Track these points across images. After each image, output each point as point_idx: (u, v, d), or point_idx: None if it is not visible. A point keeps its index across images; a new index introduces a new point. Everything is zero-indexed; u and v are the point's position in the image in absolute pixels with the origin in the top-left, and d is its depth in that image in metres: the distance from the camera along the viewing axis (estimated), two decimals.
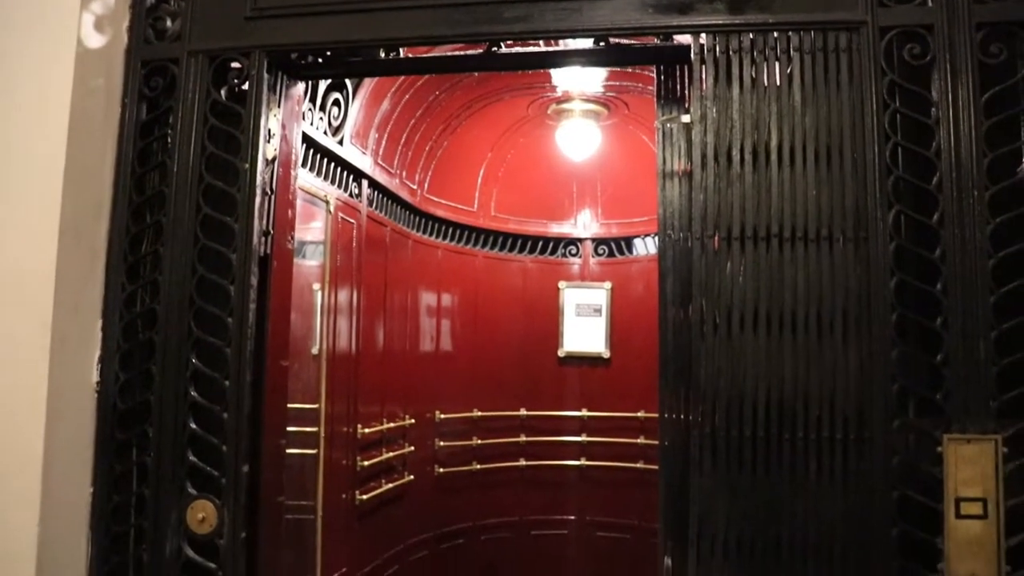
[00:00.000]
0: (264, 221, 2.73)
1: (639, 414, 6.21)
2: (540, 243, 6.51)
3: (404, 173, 5.34)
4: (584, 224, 6.54)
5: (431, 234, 5.87)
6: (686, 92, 2.70)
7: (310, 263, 4.16)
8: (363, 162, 4.62)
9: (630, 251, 6.51)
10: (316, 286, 4.19)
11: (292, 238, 2.95)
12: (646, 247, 6.46)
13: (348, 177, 4.50)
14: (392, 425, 5.09)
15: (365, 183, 4.71)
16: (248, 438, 2.57)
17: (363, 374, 4.62)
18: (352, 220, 4.51)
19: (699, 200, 2.50)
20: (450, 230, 6.07)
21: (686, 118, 2.62)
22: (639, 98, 5.61)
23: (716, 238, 2.47)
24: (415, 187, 5.58)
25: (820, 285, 2.41)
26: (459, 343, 6.11)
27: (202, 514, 2.50)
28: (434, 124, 5.48)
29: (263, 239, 2.73)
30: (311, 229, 4.14)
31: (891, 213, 2.39)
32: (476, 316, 6.19)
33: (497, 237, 6.37)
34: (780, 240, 2.43)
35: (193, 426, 2.57)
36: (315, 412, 4.10)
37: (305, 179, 3.95)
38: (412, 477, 5.41)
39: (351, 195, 4.55)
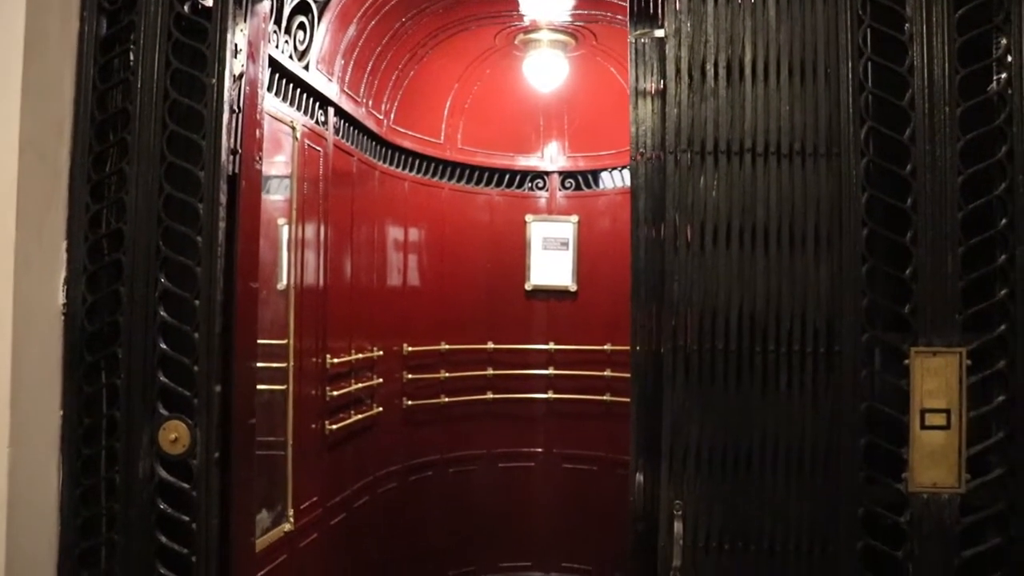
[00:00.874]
0: (232, 139, 2.68)
1: (606, 347, 6.24)
2: (507, 176, 6.46)
3: (370, 102, 5.26)
4: (551, 157, 6.50)
5: (398, 166, 5.81)
6: (660, 8, 2.66)
7: (276, 198, 4.10)
8: (329, 89, 4.54)
9: (597, 184, 6.49)
10: (282, 220, 4.13)
11: (260, 159, 2.90)
12: (613, 180, 6.44)
13: (314, 104, 4.42)
14: (361, 356, 5.09)
15: (331, 111, 4.63)
16: (219, 358, 2.55)
17: (331, 308, 4.59)
18: (319, 148, 4.44)
19: (672, 115, 2.48)
20: (417, 162, 6.00)
21: (660, 32, 2.60)
22: (608, 28, 5.55)
23: (690, 153, 2.46)
24: (381, 117, 5.50)
25: (792, 200, 2.42)
26: (426, 277, 6.08)
27: (174, 435, 2.49)
28: (400, 52, 5.38)
29: (231, 158, 2.68)
30: (276, 163, 4.07)
31: (863, 129, 2.40)
32: (443, 250, 6.17)
33: (464, 170, 6.32)
34: (753, 155, 2.44)
35: (163, 346, 2.54)
36: (284, 348, 4.07)
37: (271, 105, 3.88)
38: (381, 409, 5.42)
39: (318, 123, 4.47)
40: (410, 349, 5.87)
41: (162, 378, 2.53)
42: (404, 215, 5.82)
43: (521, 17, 5.51)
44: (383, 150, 5.62)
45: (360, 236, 5.12)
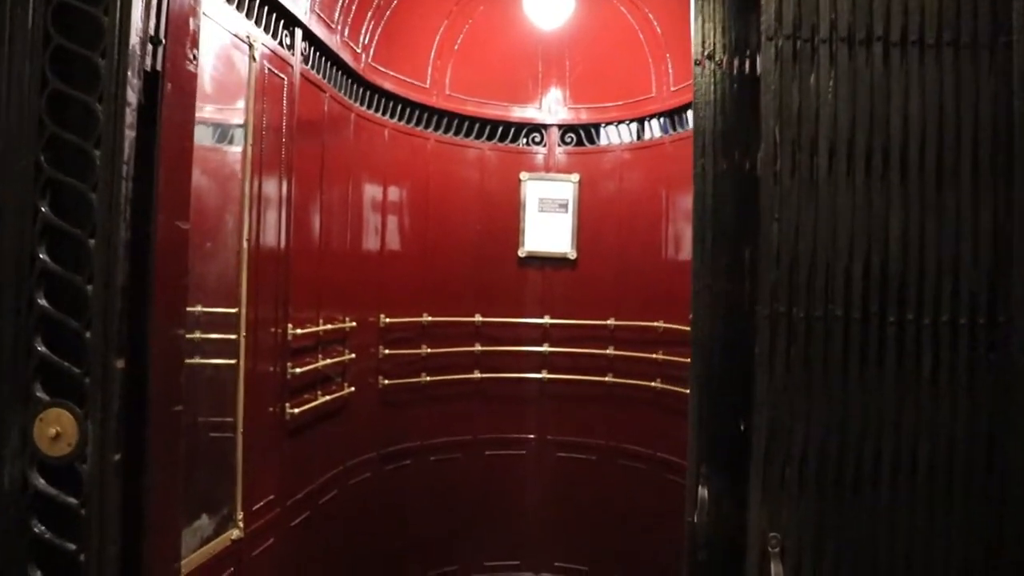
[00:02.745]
0: (151, 21, 1.93)
1: (608, 322, 5.55)
2: (500, 128, 5.73)
3: (346, 31, 4.50)
4: (550, 108, 5.76)
5: (377, 110, 5.05)
6: None
7: (228, 139, 3.36)
8: (297, 5, 3.77)
9: (601, 140, 5.77)
10: (236, 166, 3.38)
11: (195, 57, 2.14)
12: (620, 136, 5.72)
13: (278, 21, 3.66)
14: (330, 327, 4.35)
15: (299, 33, 3.87)
16: (126, 322, 1.80)
17: (296, 273, 3.87)
18: (282, 76, 3.68)
19: None
20: (399, 108, 5.25)
21: None
22: None
23: (796, 42, 1.73)
24: (359, 51, 4.74)
25: (941, 110, 1.70)
26: (407, 240, 5.35)
27: (55, 428, 1.75)
28: None
29: (149, 47, 1.93)
30: (227, 88, 3.32)
31: None
32: (427, 209, 5.43)
33: (452, 119, 5.58)
34: (886, 45, 1.71)
35: (43, 303, 1.79)
36: (234, 317, 3.33)
37: (221, 12, 3.12)
38: (353, 389, 4.69)
39: (282, 44, 3.72)
40: (388, 320, 5.13)
41: (40, 347, 1.78)
42: (383, 168, 5.07)
43: None
44: (360, 90, 4.86)
45: (332, 191, 4.38)
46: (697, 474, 1.98)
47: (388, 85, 5.08)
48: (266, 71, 3.51)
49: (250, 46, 3.34)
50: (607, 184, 5.67)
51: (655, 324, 5.34)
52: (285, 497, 3.81)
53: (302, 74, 3.92)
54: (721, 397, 1.93)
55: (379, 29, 4.88)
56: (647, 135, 5.59)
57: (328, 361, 4.32)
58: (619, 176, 5.62)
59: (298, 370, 3.87)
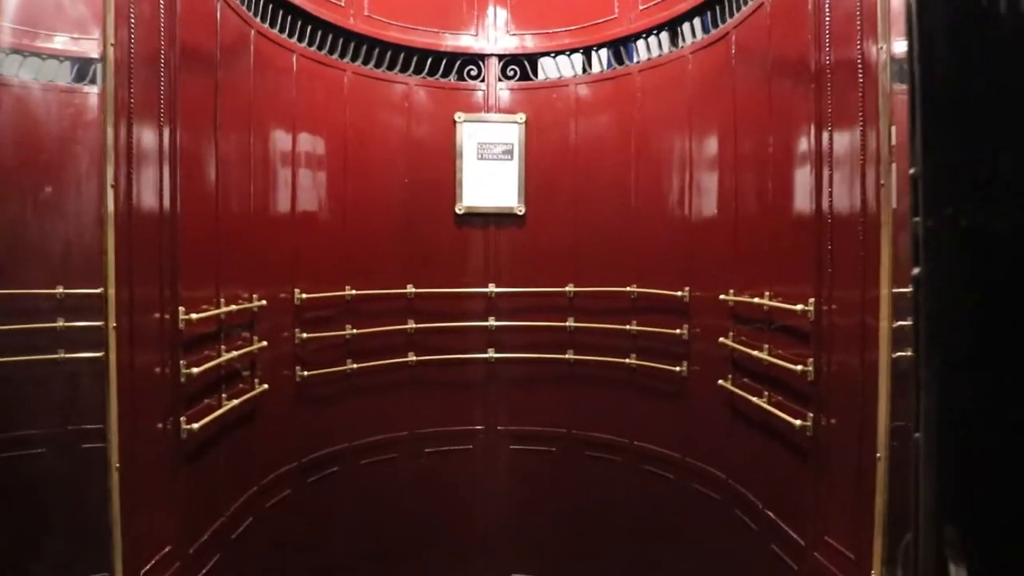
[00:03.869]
0: None
1: (567, 289, 4.67)
2: (430, 59, 4.74)
3: None
4: (489, 34, 4.80)
5: (283, 30, 3.99)
6: None
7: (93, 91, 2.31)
8: None
9: (551, 73, 4.83)
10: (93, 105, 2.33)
11: None
12: (574, 67, 4.79)
13: None
14: (234, 308, 3.32)
15: None
16: None
17: (186, 242, 2.85)
18: None
19: None
20: (309, 28, 4.20)
21: None
22: None
23: None
24: None
25: None
26: (324, 198, 4.33)
27: None
28: None
29: None
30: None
31: None
32: (346, 160, 4.42)
33: (372, 47, 4.56)
34: None
35: None
36: (98, 299, 2.29)
37: None
38: (266, 387, 3.68)
39: None
40: (304, 297, 4.12)
41: None
42: (292, 108, 4.03)
43: None
44: (261, 1, 3.79)
45: (230, 139, 3.35)
46: (936, 540, 1.09)
47: None
48: None
49: None
50: (560, 125, 4.75)
51: (626, 289, 4.48)
52: (186, 543, 2.79)
53: None
54: (978, 404, 1.04)
55: None
56: (604, 65, 4.69)
57: (234, 353, 3.29)
58: (575, 115, 4.71)
59: (195, 370, 2.84)
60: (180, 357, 2.75)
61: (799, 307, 2.97)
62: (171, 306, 2.70)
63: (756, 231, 3.51)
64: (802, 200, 3.03)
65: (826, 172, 2.79)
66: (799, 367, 2.96)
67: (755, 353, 3.40)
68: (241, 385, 3.49)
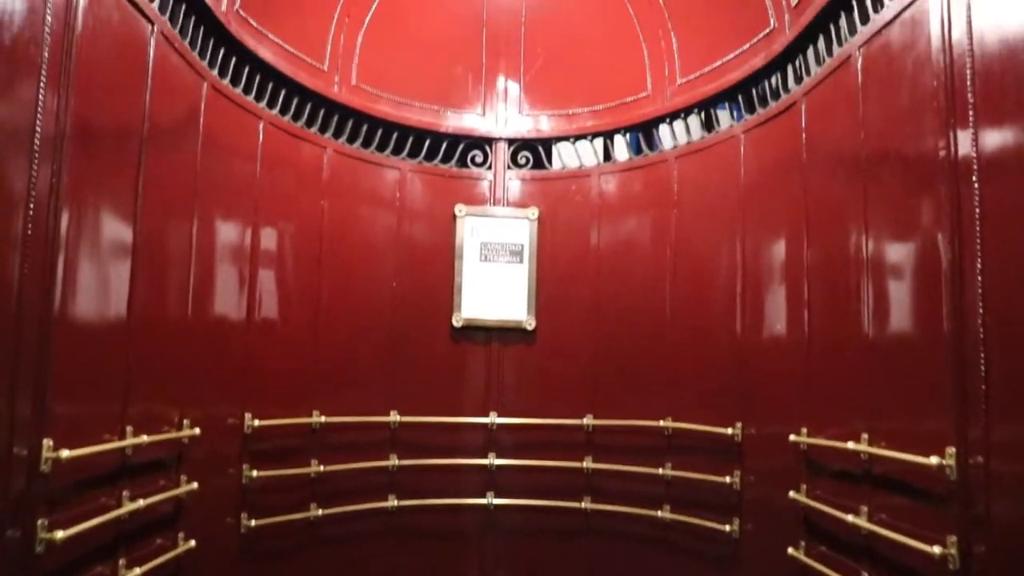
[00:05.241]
0: None
1: (584, 421, 3.83)
2: (428, 141, 4.02)
3: None
4: (499, 113, 4.07)
5: (248, 90, 3.25)
6: None
7: None
8: None
9: (569, 160, 4.12)
10: None
11: None
12: (598, 154, 4.07)
13: None
14: (146, 440, 2.42)
15: None
16: None
17: (71, 348, 1.99)
18: None
19: None
20: (282, 92, 3.46)
21: None
22: None
23: None
24: None
25: None
26: (291, 301, 3.53)
27: None
28: None
29: None
30: None
31: None
32: (320, 257, 3.65)
33: (360, 122, 3.84)
34: None
35: None
36: None
37: None
38: (193, 543, 2.76)
39: None
40: (258, 423, 3.25)
41: None
42: (255, 189, 3.26)
43: None
44: (223, 52, 3.05)
45: (160, 227, 2.56)
46: None
47: (266, 53, 3.30)
48: None
49: None
50: (579, 223, 4.00)
51: (658, 423, 3.64)
52: None
53: None
54: None
55: None
56: (632, 151, 3.98)
57: (143, 502, 2.39)
58: (598, 211, 3.97)
59: (61, 533, 1.92)
60: (39, 514, 1.85)
61: (931, 460, 2.10)
62: (29, 436, 1.82)
63: (839, 355, 2.68)
64: (921, 314, 2.21)
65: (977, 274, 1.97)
66: (932, 548, 2.07)
67: (848, 518, 2.52)
68: (159, 541, 2.58)
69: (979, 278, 1.92)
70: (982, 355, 1.92)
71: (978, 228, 1.94)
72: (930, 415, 2.16)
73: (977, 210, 1.95)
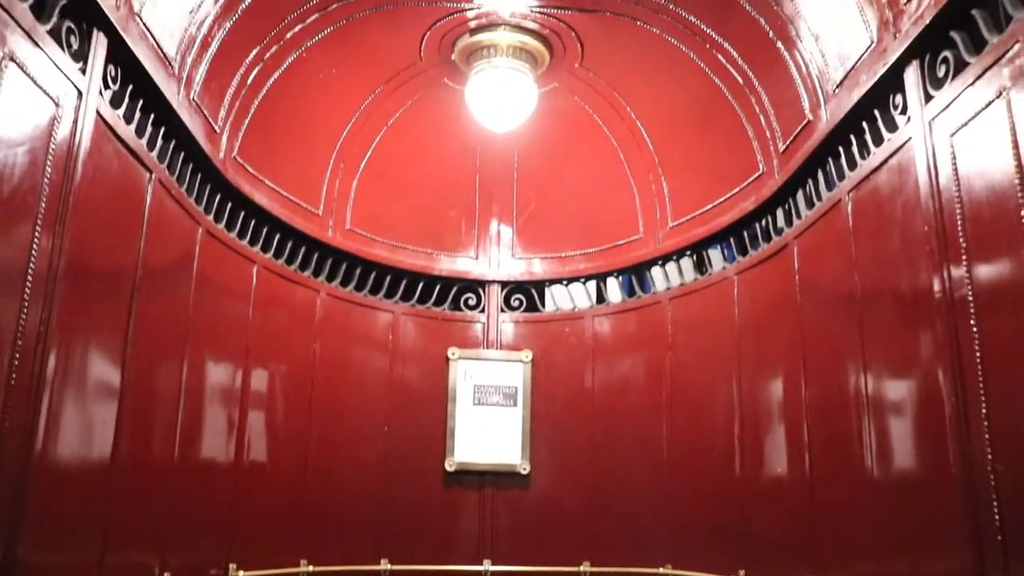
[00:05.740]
0: None
1: (582, 568, 3.72)
2: (421, 284, 4.05)
3: (198, 89, 2.79)
4: (492, 257, 4.11)
5: (243, 235, 3.28)
6: None
7: None
8: None
9: (562, 302, 4.11)
10: None
11: None
12: (590, 296, 4.08)
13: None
14: None
15: (102, 40, 2.13)
16: None
17: (51, 495, 1.96)
18: (50, 101, 1.90)
19: None
20: (277, 237, 3.48)
21: None
22: (599, 28, 3.41)
23: None
24: (218, 128, 3.02)
25: None
26: (280, 445, 3.47)
27: None
28: (256, 29, 3.02)
29: None
30: None
31: None
32: (311, 401, 3.61)
33: (354, 265, 3.87)
34: None
35: None
36: None
37: None
38: None
39: (65, 46, 1.97)
40: (242, 574, 3.11)
41: None
42: (248, 332, 3.25)
43: (463, 9, 3.31)
44: (218, 196, 3.10)
45: (150, 369, 2.56)
46: None
47: (262, 199, 3.34)
48: (5, 66, 1.73)
49: None
50: (574, 365, 3.99)
51: (658, 571, 3.51)
52: None
53: (108, 126, 2.16)
54: None
55: (253, 108, 3.19)
56: (625, 293, 4.00)
57: None
58: (591, 353, 3.96)
59: None
60: None
61: None
62: None
63: (844, 496, 2.61)
64: (927, 453, 2.17)
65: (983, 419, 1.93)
66: None
67: None
68: None
69: (985, 423, 1.88)
70: (994, 499, 1.87)
71: (979, 366, 1.92)
72: (943, 557, 2.09)
73: (978, 352, 1.93)
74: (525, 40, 3.48)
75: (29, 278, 1.82)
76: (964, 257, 1.99)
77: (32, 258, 1.83)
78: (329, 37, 3.33)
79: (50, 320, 1.90)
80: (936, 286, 2.09)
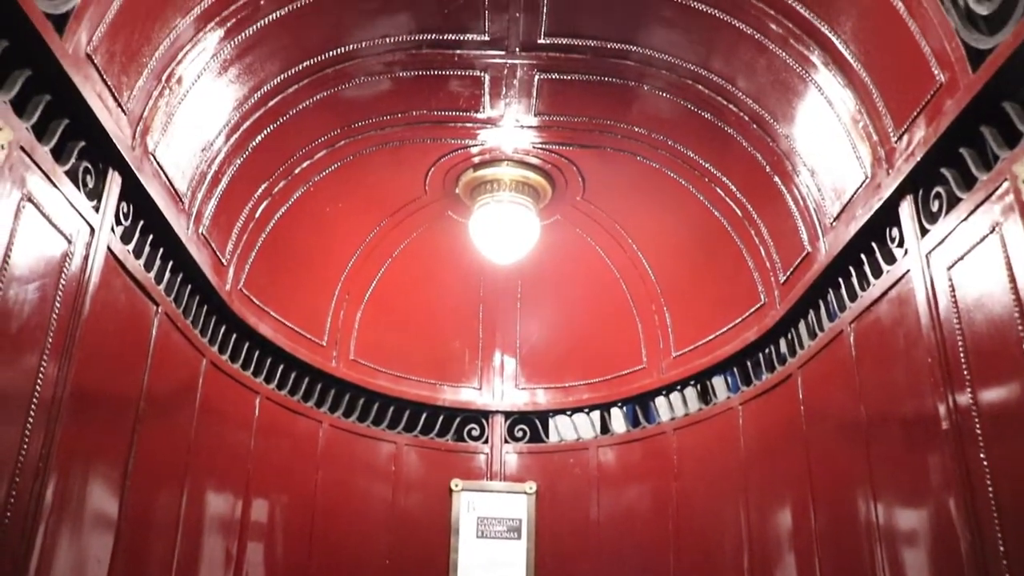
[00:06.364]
0: None
1: None
2: (424, 415, 4.03)
3: (207, 223, 2.85)
4: (496, 388, 4.11)
5: (246, 365, 3.27)
6: None
7: None
8: (112, 121, 2.11)
9: (566, 433, 4.08)
10: None
11: None
12: (595, 426, 4.05)
13: (63, 123, 1.96)
14: None
15: (117, 178, 2.19)
16: None
17: None
18: (63, 239, 1.94)
19: None
20: (280, 368, 3.48)
21: None
22: (599, 162, 3.49)
23: None
24: (225, 262, 3.07)
25: None
26: None
27: None
28: (265, 166, 3.10)
29: None
30: None
31: None
32: (312, 529, 3.57)
33: (357, 396, 3.86)
34: None
35: None
36: None
37: None
38: None
39: (81, 185, 2.02)
40: None
41: None
42: (248, 463, 3.22)
43: (467, 145, 3.42)
44: (223, 328, 3.12)
45: (149, 498, 2.53)
46: None
47: (267, 330, 3.36)
48: (22, 208, 1.77)
49: None
50: (579, 497, 3.94)
51: None
52: None
53: (118, 260, 2.21)
54: None
55: (260, 240, 3.25)
56: (629, 423, 3.97)
57: None
58: (596, 484, 3.92)
59: None
60: None
61: None
62: None
63: None
64: None
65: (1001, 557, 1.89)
66: None
67: None
68: None
69: (1004, 561, 1.83)
70: None
71: (992, 499, 1.88)
72: None
73: (989, 483, 1.90)
74: (527, 175, 3.57)
75: (33, 405, 1.82)
76: (969, 387, 1.99)
77: (37, 386, 1.83)
78: (336, 172, 3.42)
79: (52, 448, 1.89)
80: (942, 415, 2.08)
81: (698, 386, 3.72)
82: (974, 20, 1.94)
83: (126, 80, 2.16)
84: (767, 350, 3.34)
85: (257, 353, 3.33)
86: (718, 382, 3.68)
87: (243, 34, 2.55)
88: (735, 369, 3.53)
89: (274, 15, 2.58)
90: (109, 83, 2.06)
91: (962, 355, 2.03)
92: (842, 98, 2.51)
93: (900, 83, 2.27)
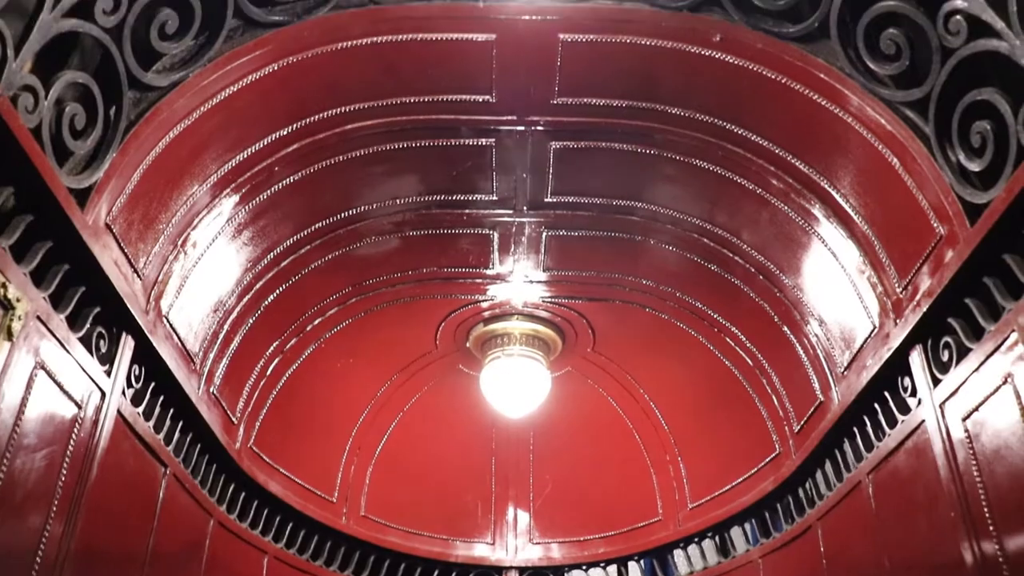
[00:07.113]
0: None
1: None
2: (436, 572, 3.91)
3: (218, 382, 2.86)
4: (509, 542, 4.02)
5: (255, 525, 3.21)
6: None
7: None
8: (128, 287, 2.15)
9: None
10: None
11: None
12: None
13: (80, 290, 1.99)
14: None
15: (130, 342, 2.21)
16: None
17: None
18: (74, 404, 1.96)
19: None
20: (289, 525, 3.42)
21: None
22: (609, 314, 3.53)
23: None
24: (236, 418, 3.06)
25: None
26: None
27: None
28: (277, 324, 3.15)
29: None
30: None
31: None
32: None
33: (368, 554, 3.79)
34: None
35: None
36: None
37: None
38: None
39: (93, 350, 2.04)
40: None
41: None
42: None
43: (477, 300, 3.47)
44: (231, 487, 3.08)
45: None
46: None
47: (276, 487, 3.32)
48: (36, 377, 1.79)
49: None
50: None
51: None
52: None
53: (128, 423, 2.21)
54: None
55: (271, 398, 3.25)
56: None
57: None
58: None
59: None
60: None
61: None
62: None
63: None
64: None
65: None
66: None
67: None
68: None
69: None
70: None
71: None
72: None
73: None
74: (538, 328, 3.60)
75: (37, 564, 1.78)
76: (996, 541, 1.93)
77: (41, 546, 1.80)
78: (347, 329, 3.46)
79: None
80: (969, 566, 2.02)
81: (716, 538, 3.62)
82: (967, 175, 1.98)
83: (143, 247, 2.22)
84: (785, 500, 3.27)
85: (266, 511, 3.28)
86: (736, 533, 3.59)
87: (258, 198, 2.63)
88: (753, 520, 3.45)
89: (289, 180, 2.66)
90: (126, 250, 2.12)
91: (986, 510, 1.98)
92: (845, 249, 2.54)
93: (901, 235, 2.30)
